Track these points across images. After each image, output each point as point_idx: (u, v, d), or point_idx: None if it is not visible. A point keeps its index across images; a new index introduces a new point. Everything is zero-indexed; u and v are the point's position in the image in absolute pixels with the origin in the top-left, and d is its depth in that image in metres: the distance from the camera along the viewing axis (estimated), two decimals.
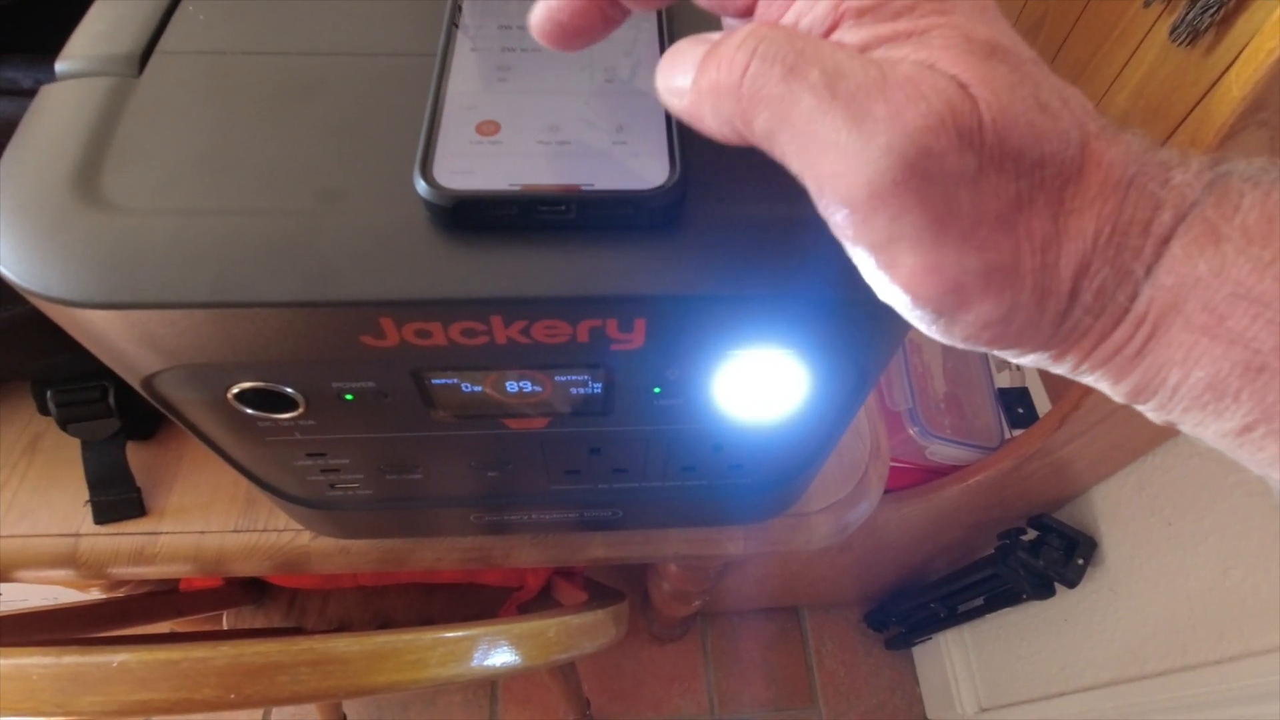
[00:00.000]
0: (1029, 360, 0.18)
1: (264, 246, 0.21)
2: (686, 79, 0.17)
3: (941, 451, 0.81)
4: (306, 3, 0.28)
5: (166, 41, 0.26)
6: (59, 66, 0.25)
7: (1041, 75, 0.16)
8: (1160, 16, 0.65)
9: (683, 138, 0.22)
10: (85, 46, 0.26)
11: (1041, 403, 0.88)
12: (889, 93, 0.15)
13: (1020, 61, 0.15)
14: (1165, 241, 0.15)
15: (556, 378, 0.26)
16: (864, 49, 0.16)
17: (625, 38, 0.25)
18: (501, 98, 0.23)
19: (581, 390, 0.27)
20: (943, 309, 0.17)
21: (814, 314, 0.24)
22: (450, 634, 0.33)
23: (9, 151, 0.23)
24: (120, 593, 0.66)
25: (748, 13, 0.18)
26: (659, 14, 0.26)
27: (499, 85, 0.23)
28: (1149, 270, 0.16)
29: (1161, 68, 0.66)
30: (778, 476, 0.37)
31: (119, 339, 0.22)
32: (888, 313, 0.18)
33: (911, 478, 0.86)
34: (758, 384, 0.28)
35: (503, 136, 0.22)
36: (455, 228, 0.22)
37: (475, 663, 0.34)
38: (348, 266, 0.21)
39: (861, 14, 0.15)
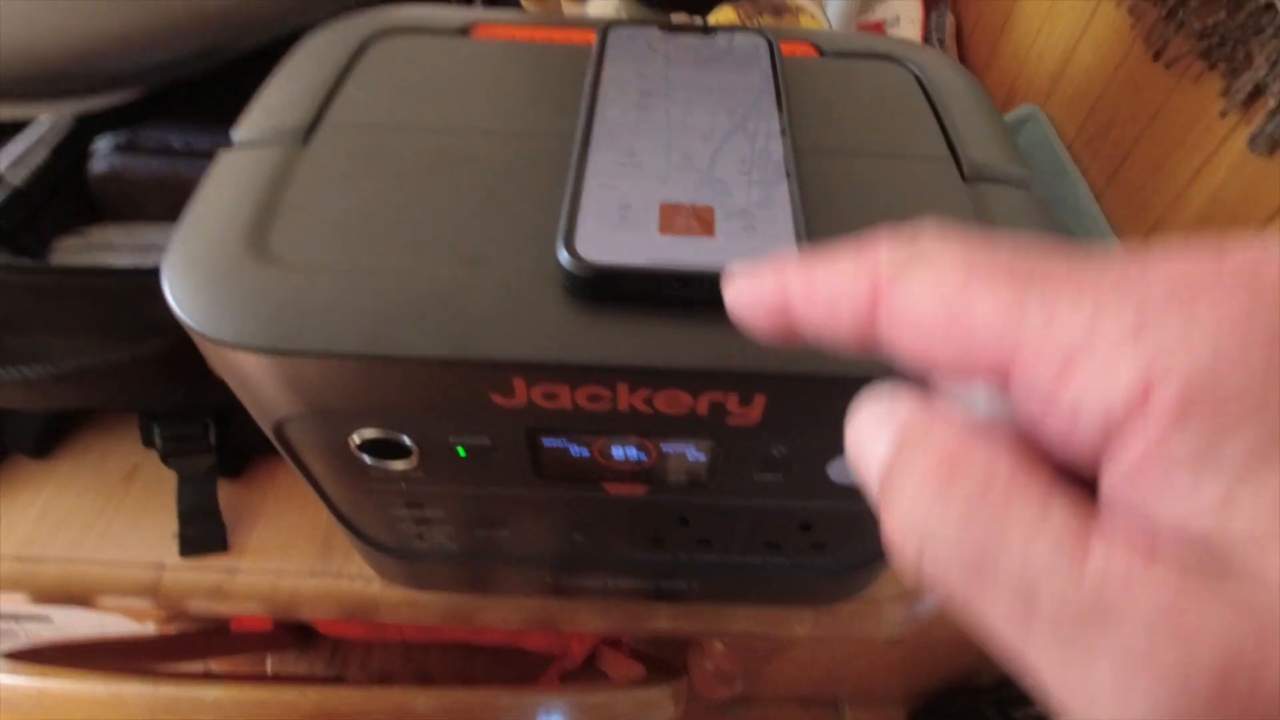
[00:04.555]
0: None
1: (413, 305, 0.23)
2: (869, 473, 0.13)
3: None
4: (455, 85, 0.30)
5: (330, 116, 0.29)
6: (235, 135, 0.28)
7: None
8: (1237, 126, 0.66)
9: (810, 224, 0.24)
10: (259, 119, 0.28)
11: None
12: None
13: None
14: None
15: (664, 446, 0.27)
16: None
17: (761, 129, 0.27)
18: (638, 178, 0.25)
19: (686, 460, 0.28)
20: None
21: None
22: (525, 696, 0.32)
23: (190, 209, 0.25)
24: (173, 629, 0.67)
25: (995, 374, 0.12)
26: (784, 110, 0.28)
27: (636, 165, 0.25)
28: None
29: (1238, 175, 0.67)
30: (858, 560, 0.37)
31: (269, 381, 0.24)
32: None
33: None
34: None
35: (641, 213, 0.24)
36: (590, 297, 0.23)
37: None
38: (488, 328, 0.23)
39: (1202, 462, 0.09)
